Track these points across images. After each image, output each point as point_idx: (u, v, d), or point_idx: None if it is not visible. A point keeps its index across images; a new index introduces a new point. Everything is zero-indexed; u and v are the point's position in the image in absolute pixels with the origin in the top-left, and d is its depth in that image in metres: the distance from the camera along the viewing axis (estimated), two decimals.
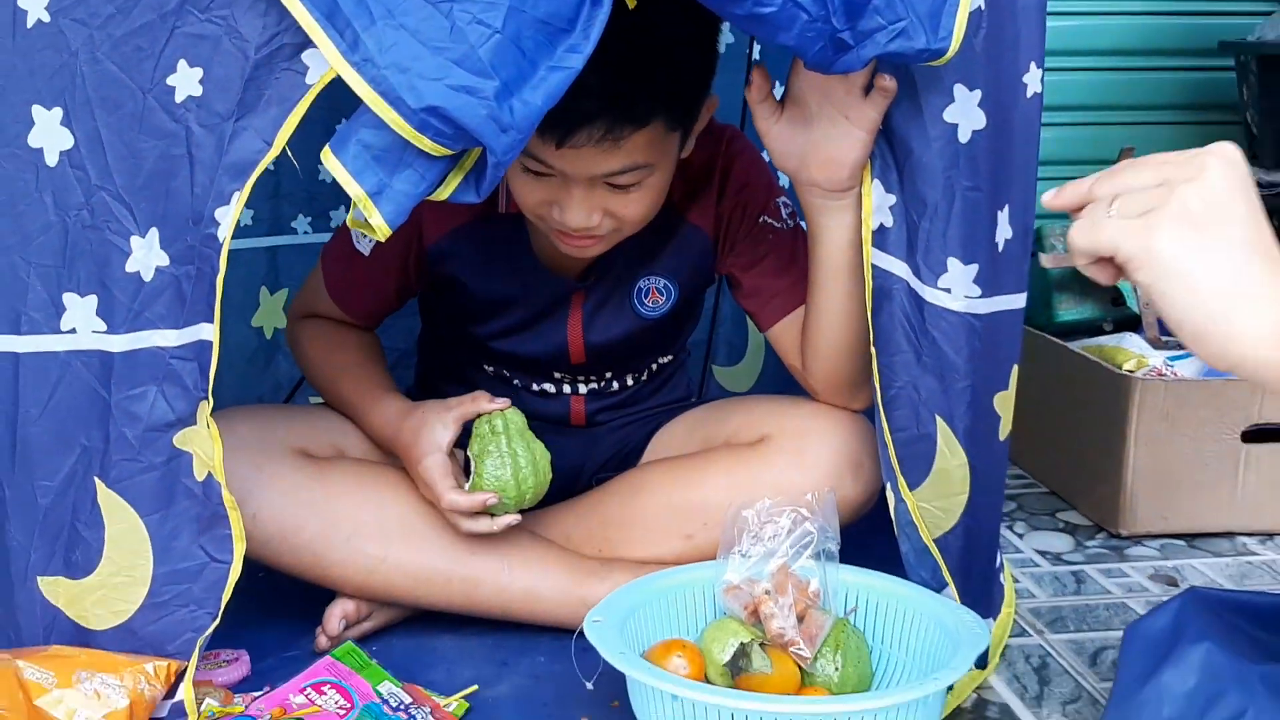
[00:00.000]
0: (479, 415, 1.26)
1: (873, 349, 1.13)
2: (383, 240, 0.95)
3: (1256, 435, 1.60)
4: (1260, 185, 2.08)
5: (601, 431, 1.47)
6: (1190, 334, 0.70)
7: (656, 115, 1.14)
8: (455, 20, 0.88)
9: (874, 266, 1.11)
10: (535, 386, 1.44)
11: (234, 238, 1.74)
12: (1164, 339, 1.82)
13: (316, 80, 0.94)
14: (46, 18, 0.95)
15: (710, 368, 1.88)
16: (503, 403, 1.26)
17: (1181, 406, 1.59)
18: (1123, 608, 1.43)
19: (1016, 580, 1.50)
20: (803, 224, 1.27)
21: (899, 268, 1.11)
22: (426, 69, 0.88)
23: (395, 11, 0.88)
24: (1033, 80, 1.10)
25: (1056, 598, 1.46)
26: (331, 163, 0.92)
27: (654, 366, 1.47)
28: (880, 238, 1.10)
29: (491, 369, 1.44)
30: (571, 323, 1.37)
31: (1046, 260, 1.79)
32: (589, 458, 1.45)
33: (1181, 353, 1.69)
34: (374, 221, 0.92)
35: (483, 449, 1.25)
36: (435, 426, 1.25)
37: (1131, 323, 1.83)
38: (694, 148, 1.28)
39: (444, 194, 0.95)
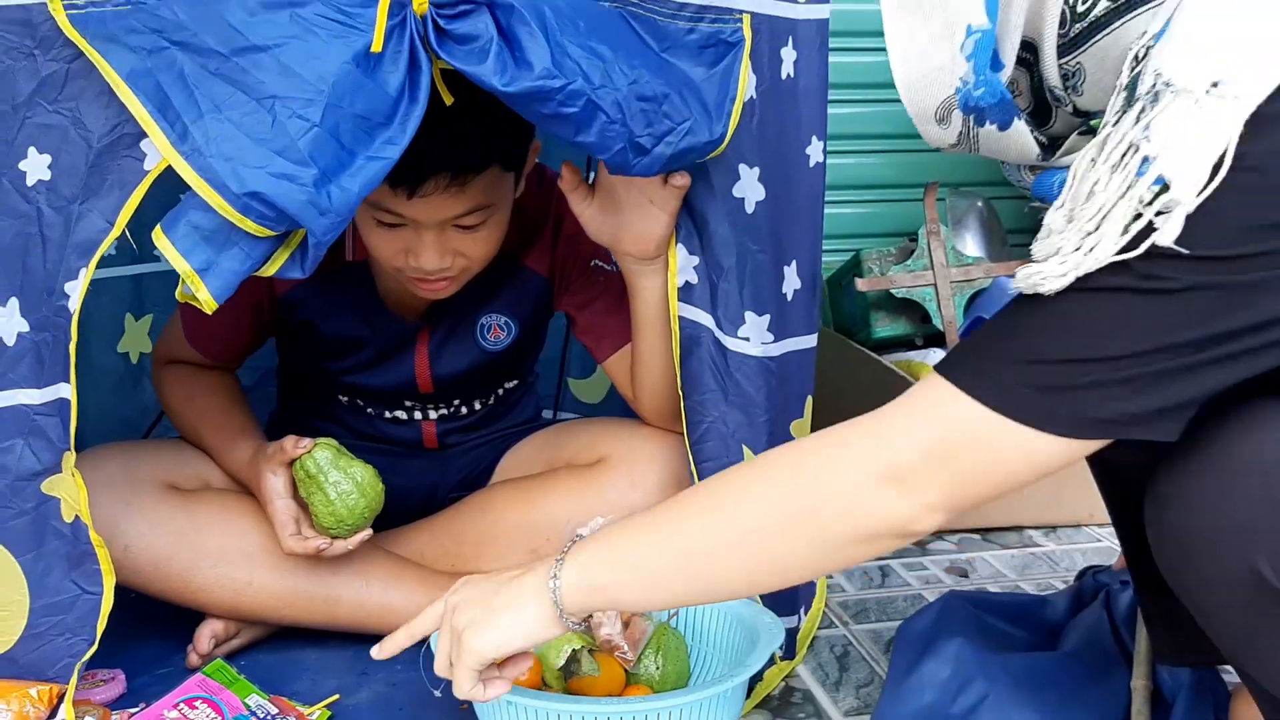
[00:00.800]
0: (294, 460, 1.32)
1: (680, 391, 1.24)
2: (209, 313, 1.02)
3: None
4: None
5: (453, 453, 1.55)
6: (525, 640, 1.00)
7: (493, 160, 1.24)
8: (277, 115, 0.96)
9: (681, 318, 1.22)
10: (388, 414, 1.52)
11: (100, 267, 1.78)
12: None
13: (153, 167, 1.01)
14: None
15: (565, 380, 1.97)
16: (306, 444, 1.31)
17: None
18: (919, 598, 1.57)
19: (830, 577, 1.63)
20: None
21: (704, 318, 1.22)
22: (249, 158, 0.96)
23: (222, 106, 0.96)
24: (815, 151, 1.23)
25: (862, 591, 1.59)
26: (162, 242, 0.99)
27: (500, 392, 1.56)
28: (686, 293, 1.22)
29: (346, 399, 1.52)
30: (418, 358, 1.46)
31: (862, 284, 1.94)
32: (442, 478, 1.53)
33: None
34: (201, 296, 0.99)
35: (307, 492, 1.31)
36: (267, 476, 1.32)
37: (938, 338, 1.97)
38: (528, 197, 1.39)
39: (270, 270, 1.03)
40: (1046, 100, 0.85)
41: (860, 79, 2.10)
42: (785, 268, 1.24)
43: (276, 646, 1.39)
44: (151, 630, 1.37)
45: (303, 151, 0.96)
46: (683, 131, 1.08)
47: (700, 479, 1.25)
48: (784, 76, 1.18)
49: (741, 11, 1.10)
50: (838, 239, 2.23)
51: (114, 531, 1.26)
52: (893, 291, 1.94)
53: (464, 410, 1.54)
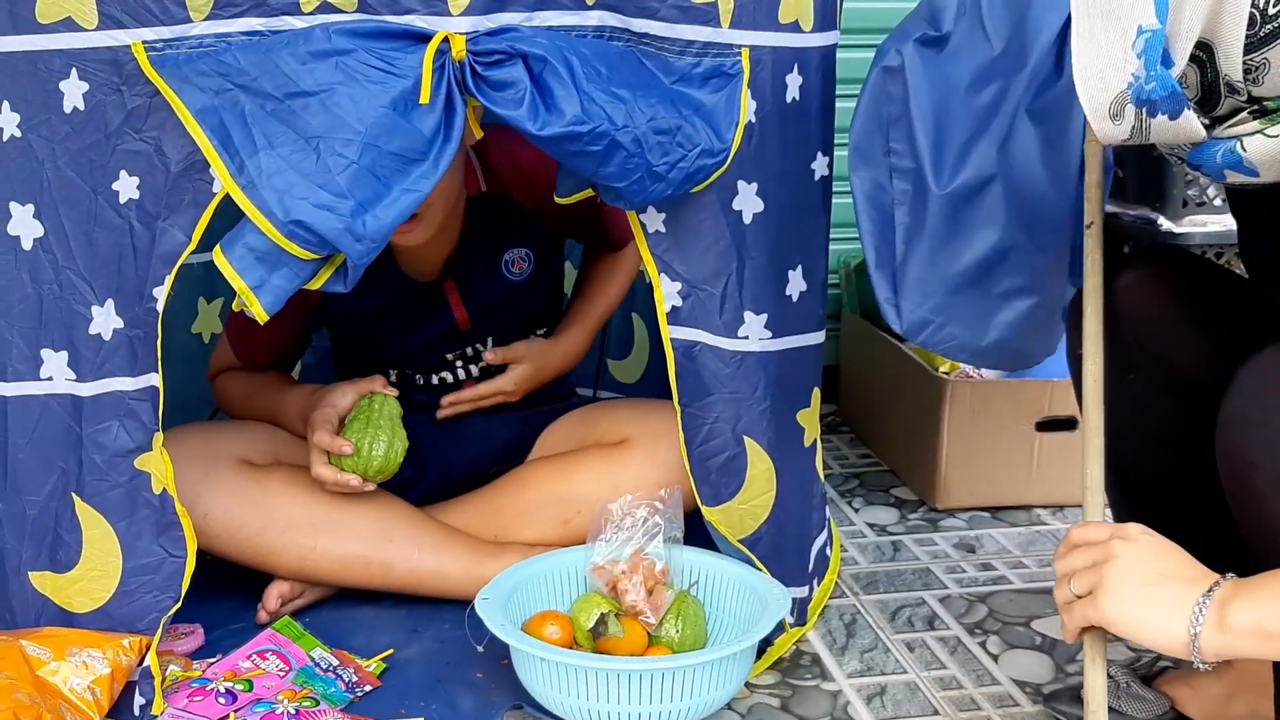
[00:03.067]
0: (371, 393, 1.48)
1: (677, 406, 1.34)
2: (262, 323, 1.15)
3: (1048, 425, 1.84)
4: (1125, 218, 2.33)
5: (494, 424, 1.67)
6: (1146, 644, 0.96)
7: None
8: (321, 152, 1.07)
9: (674, 340, 1.32)
10: (435, 379, 1.64)
11: None
12: None
13: (219, 190, 1.13)
14: (19, 134, 1.13)
15: (604, 360, 2.09)
16: (390, 391, 1.49)
17: (985, 402, 1.82)
18: (926, 572, 1.66)
19: (845, 550, 1.73)
20: None
21: (695, 334, 1.32)
22: (296, 190, 1.08)
23: (274, 144, 1.07)
24: (820, 166, 1.32)
25: (875, 564, 1.69)
26: (221, 261, 1.11)
27: (532, 338, 1.67)
28: (674, 316, 1.31)
29: (395, 373, 1.64)
30: (452, 300, 1.60)
31: None
32: (484, 452, 1.65)
33: None
34: (253, 311, 1.12)
35: (353, 418, 1.47)
36: (336, 392, 1.49)
37: None
38: (517, 154, 1.52)
39: (317, 285, 1.15)
40: (1218, 89, 0.88)
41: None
42: (790, 271, 1.34)
43: (337, 605, 1.52)
44: (226, 590, 1.51)
45: (341, 185, 1.07)
46: (694, 156, 1.18)
47: (702, 478, 1.35)
48: (789, 100, 1.27)
49: (740, 46, 1.19)
50: None
51: (194, 501, 1.40)
52: None
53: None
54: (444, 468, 1.66)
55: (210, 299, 1.96)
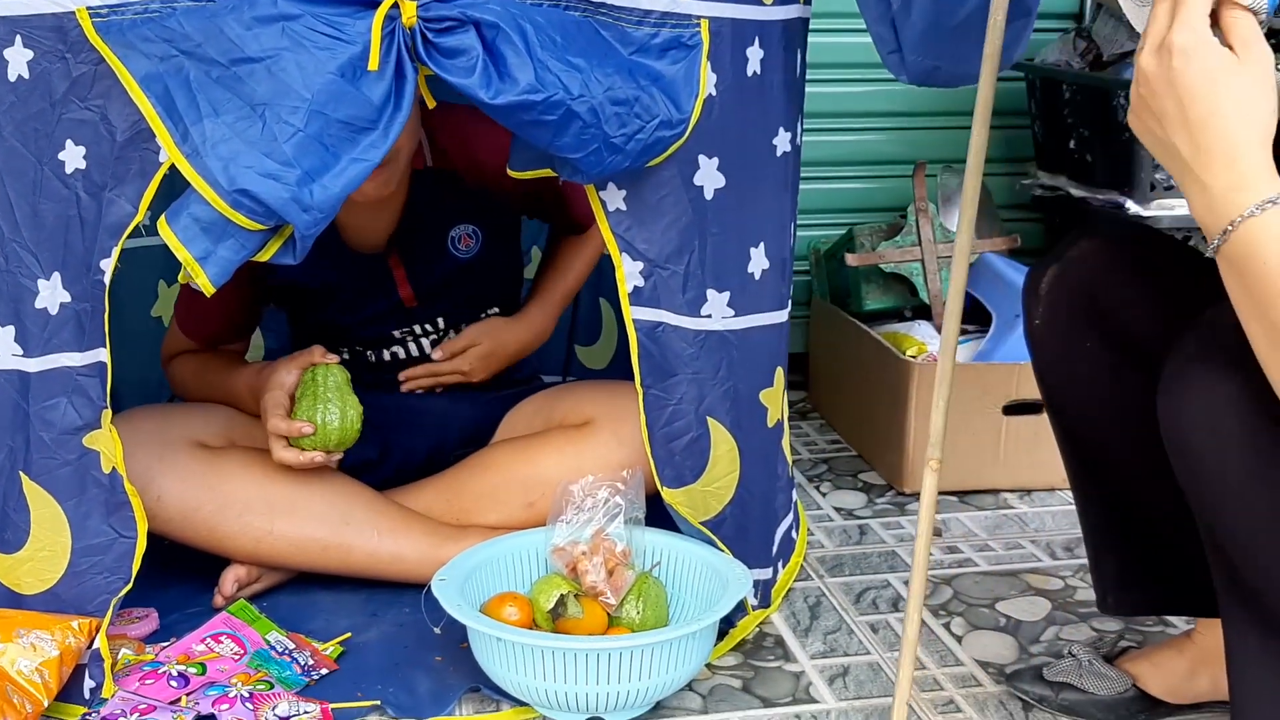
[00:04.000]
0: (314, 365, 1.45)
1: (639, 387, 1.31)
2: (208, 296, 1.12)
3: (1015, 409, 1.83)
4: (1043, 187, 2.31)
5: (457, 407, 1.64)
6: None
7: None
8: (266, 120, 1.05)
9: (636, 321, 1.29)
10: (386, 354, 1.62)
11: (133, 238, 1.89)
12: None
13: (166, 159, 1.10)
14: None
15: (573, 346, 2.07)
16: (332, 358, 1.46)
17: (952, 386, 1.80)
18: (892, 555, 1.65)
19: (811, 534, 1.71)
20: None
21: (658, 315, 1.29)
22: (241, 159, 1.05)
23: (219, 111, 1.05)
24: (782, 141, 1.30)
25: (841, 547, 1.67)
26: (165, 232, 1.08)
27: (482, 317, 1.64)
28: (636, 296, 1.28)
29: (345, 351, 1.62)
30: (398, 278, 1.57)
31: (852, 259, 2.02)
32: (447, 435, 1.63)
33: (960, 339, 1.91)
34: (199, 282, 1.09)
35: (301, 393, 1.44)
36: (280, 370, 1.46)
37: (926, 310, 2.04)
38: (468, 133, 1.50)
39: (265, 256, 1.12)
40: None
41: (855, 58, 2.16)
42: (752, 249, 1.32)
43: (294, 590, 1.49)
44: (181, 574, 1.48)
45: (287, 153, 1.05)
46: (652, 127, 1.16)
47: (664, 460, 1.33)
48: (749, 74, 1.25)
49: (699, 17, 1.18)
50: (833, 213, 2.29)
51: (148, 484, 1.37)
52: (881, 266, 2.00)
53: (453, 335, 1.62)
54: (406, 452, 1.63)
55: (170, 282, 1.93)
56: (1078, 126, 2.14)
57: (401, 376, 1.56)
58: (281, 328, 1.81)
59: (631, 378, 1.54)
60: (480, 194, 1.56)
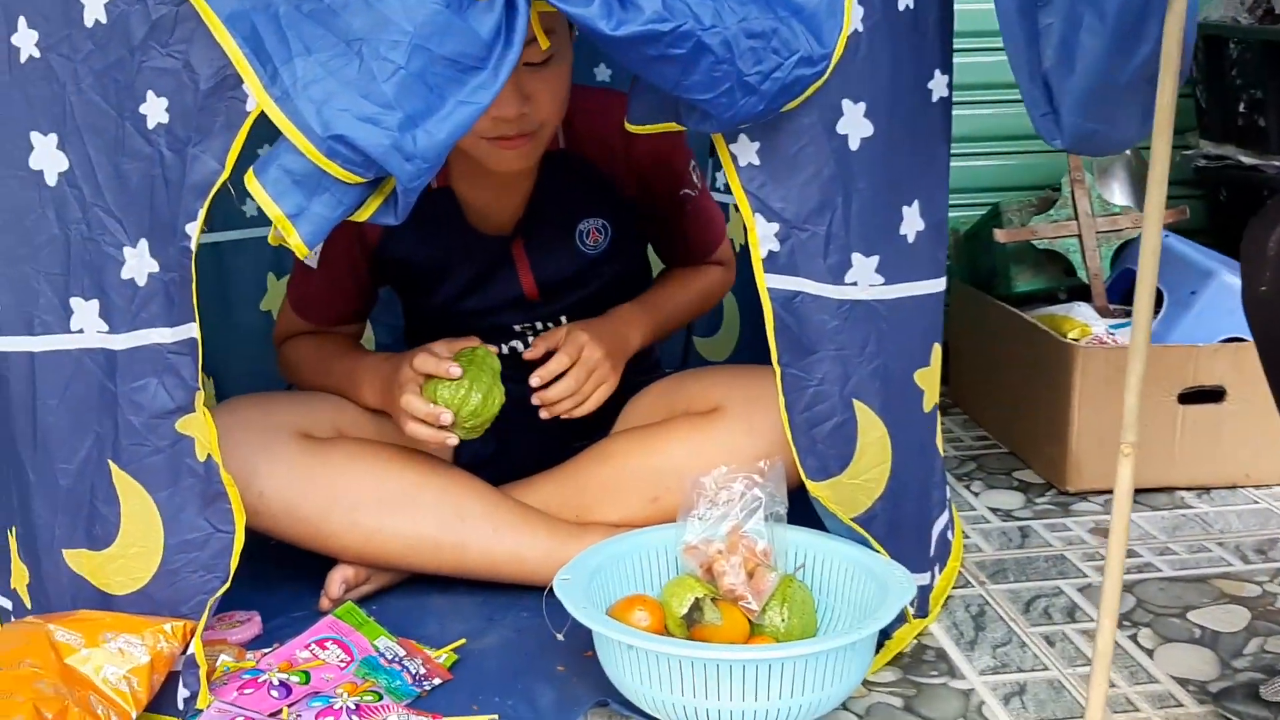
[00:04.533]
0: (473, 348, 1.33)
1: (777, 366, 1.16)
2: (302, 258, 0.99)
3: (1191, 397, 1.62)
4: (1208, 158, 2.08)
5: None
6: None
7: None
8: (364, 57, 0.92)
9: (770, 290, 1.14)
10: (505, 349, 1.48)
11: (241, 228, 1.81)
12: (1111, 307, 1.84)
13: (253, 108, 0.98)
14: (37, 54, 1.00)
15: (691, 339, 1.92)
16: (491, 347, 1.33)
17: (1121, 372, 1.59)
18: (1061, 559, 1.46)
19: (967, 536, 1.54)
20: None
21: (795, 283, 1.14)
22: (336, 101, 0.92)
23: (312, 48, 0.92)
24: (938, 86, 1.14)
25: (1001, 551, 1.49)
26: (254, 186, 0.96)
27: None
28: (771, 263, 1.13)
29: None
30: (520, 268, 1.43)
31: (1001, 235, 1.83)
32: (564, 427, 1.49)
33: (1123, 320, 1.71)
34: (292, 242, 0.96)
35: (446, 381, 1.29)
36: (432, 347, 1.32)
37: (1083, 291, 1.85)
38: (609, 116, 1.34)
39: (363, 215, 0.99)
40: None
41: (993, 26, 1.98)
42: (905, 208, 1.15)
43: (406, 592, 1.37)
44: (287, 575, 1.37)
45: (388, 94, 0.92)
46: (791, 64, 1.01)
47: (806, 449, 1.17)
48: (901, 8, 1.09)
49: None
50: (973, 193, 2.11)
51: (250, 477, 1.26)
52: (1034, 243, 1.81)
53: None
54: (521, 445, 1.50)
55: (280, 275, 1.85)
56: (1248, 88, 1.92)
57: (536, 400, 1.34)
58: (395, 320, 1.70)
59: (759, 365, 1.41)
60: (610, 184, 1.43)
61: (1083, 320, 1.71)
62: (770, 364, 1.40)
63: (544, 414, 1.34)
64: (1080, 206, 1.79)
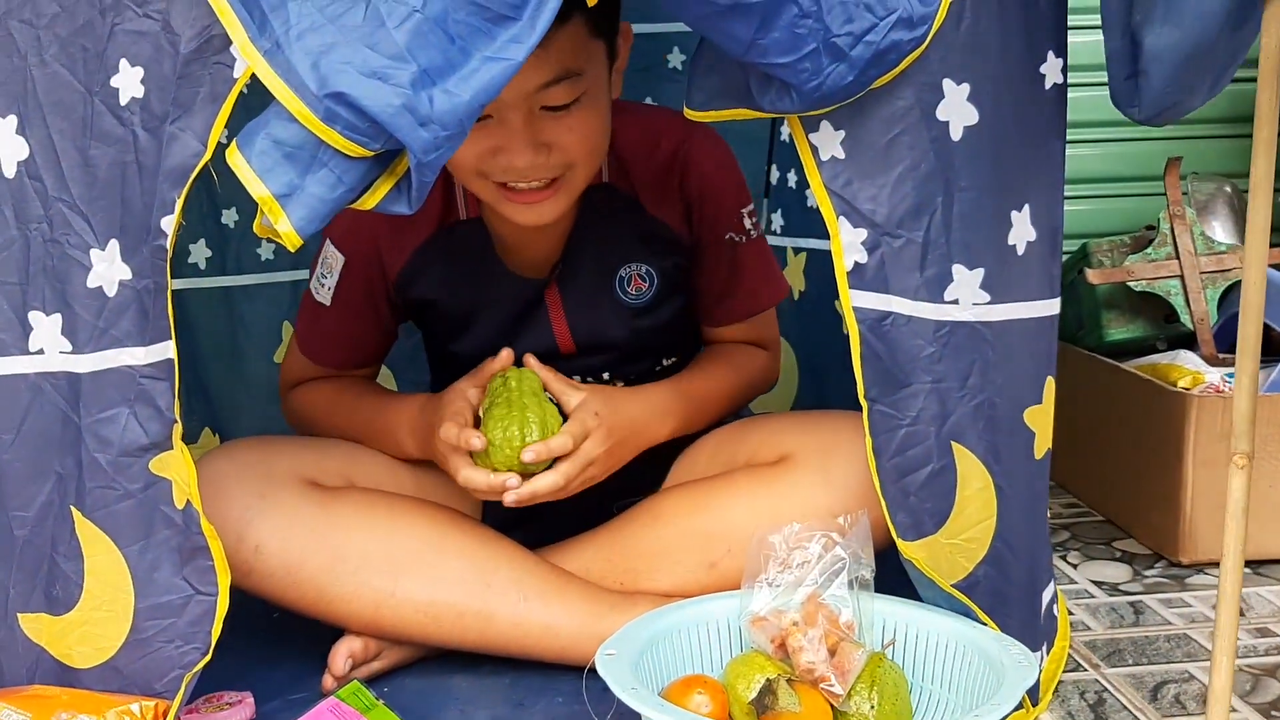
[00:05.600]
0: (504, 373, 1.17)
1: (864, 401, 0.98)
2: (292, 250, 0.82)
3: None
4: None
5: None
6: None
7: (575, 10, 1.01)
8: None
9: (856, 309, 0.96)
10: None
11: (255, 272, 1.66)
12: (1220, 355, 1.63)
13: (241, 73, 0.82)
14: None
15: None
16: (530, 363, 1.18)
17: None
18: (1185, 639, 1.25)
19: (1071, 613, 1.33)
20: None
21: (885, 301, 0.96)
22: (336, 52, 0.76)
23: None
24: (1052, 71, 0.97)
25: (1113, 630, 1.28)
26: (236, 160, 0.79)
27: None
28: (857, 277, 0.95)
29: None
30: (554, 317, 1.26)
31: (1094, 275, 1.64)
32: (607, 485, 1.30)
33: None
34: (281, 228, 0.79)
35: (488, 406, 1.14)
36: (456, 393, 1.16)
37: (1185, 340, 1.65)
38: (660, 142, 1.22)
39: (370, 202, 0.81)
40: None
41: (1078, 60, 1.82)
42: (1014, 213, 0.97)
43: (425, 671, 1.18)
44: (287, 650, 1.19)
45: (399, 44, 0.75)
46: (887, 25, 0.84)
47: (897, 502, 0.98)
48: None
49: None
50: None
51: (245, 530, 1.09)
52: (1130, 285, 1.62)
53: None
54: (556, 506, 1.31)
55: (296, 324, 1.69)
56: None
57: (508, 501, 1.13)
58: (420, 374, 1.53)
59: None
60: (660, 225, 1.26)
61: (1192, 368, 1.51)
62: (841, 410, 1.23)
63: (509, 499, 1.12)
64: (1182, 244, 1.60)
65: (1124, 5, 0.90)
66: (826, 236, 0.96)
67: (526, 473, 1.12)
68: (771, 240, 1.72)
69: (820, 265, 1.64)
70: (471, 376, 1.18)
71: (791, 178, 1.68)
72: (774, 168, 1.72)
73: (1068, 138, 1.84)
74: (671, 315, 1.31)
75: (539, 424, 1.11)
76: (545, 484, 1.13)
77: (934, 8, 0.86)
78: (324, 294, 1.26)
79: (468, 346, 1.27)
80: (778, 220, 1.73)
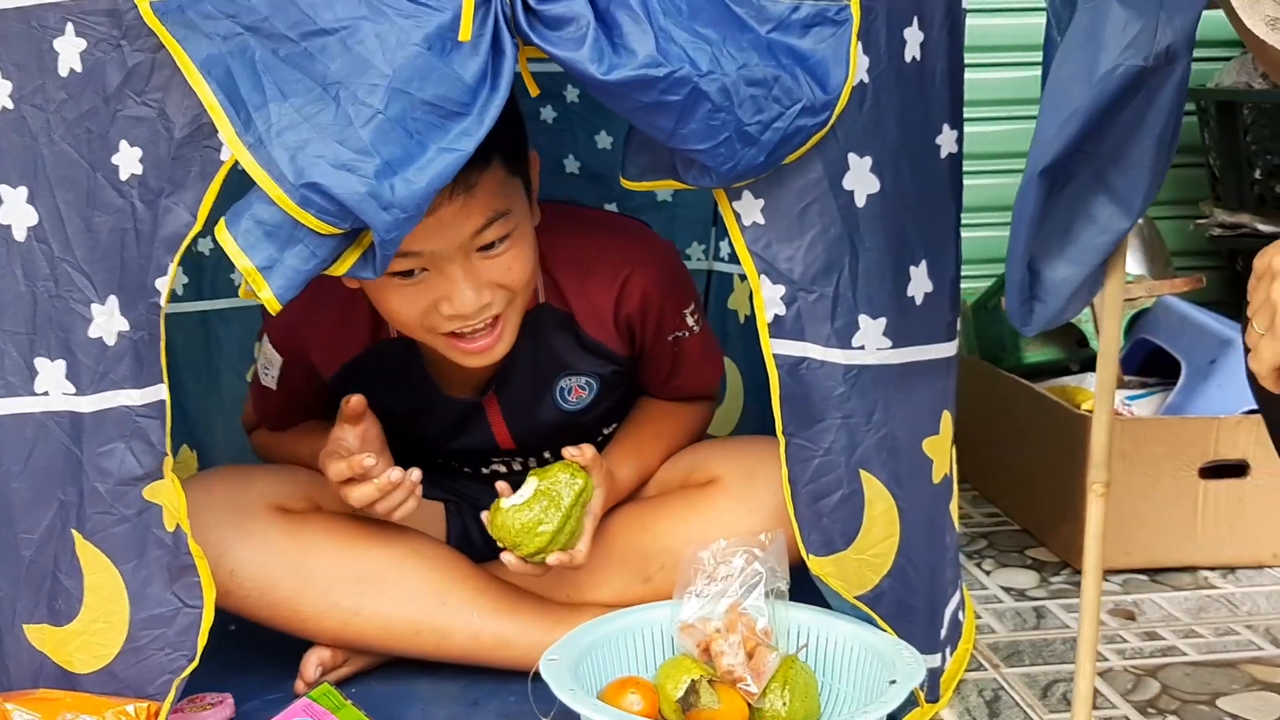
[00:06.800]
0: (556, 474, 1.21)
1: (781, 436, 1.11)
2: (273, 313, 0.95)
3: (1214, 471, 1.57)
4: (1223, 226, 2.05)
5: None
6: None
7: (494, 154, 1.09)
8: (341, 101, 0.89)
9: (776, 355, 1.09)
10: (485, 470, 1.43)
11: (228, 296, 1.77)
12: (1125, 378, 1.79)
13: (227, 158, 0.95)
14: (10, 104, 0.98)
15: None
16: (569, 470, 1.21)
17: (1139, 445, 1.56)
18: (1077, 642, 1.39)
19: (979, 616, 1.47)
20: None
21: (802, 348, 1.09)
22: (310, 148, 0.89)
23: (287, 93, 0.89)
24: (946, 141, 1.11)
25: (1015, 632, 1.42)
26: (224, 237, 0.92)
27: (599, 439, 1.41)
28: (777, 328, 1.08)
29: (440, 459, 1.42)
30: (493, 421, 1.36)
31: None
32: None
33: (1140, 392, 1.67)
34: (263, 295, 0.92)
35: (549, 487, 1.19)
36: (334, 441, 1.24)
37: (1095, 363, 1.80)
38: (597, 276, 1.28)
39: (340, 270, 0.95)
40: None
41: (1004, 94, 1.96)
42: (912, 268, 1.12)
43: (386, 675, 1.31)
44: (262, 655, 1.31)
45: (364, 140, 0.88)
46: (793, 114, 0.97)
47: (810, 523, 1.12)
48: (908, 59, 1.07)
49: None
50: (982, 264, 2.08)
51: (221, 554, 1.20)
52: None
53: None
54: None
55: None
56: (1263, 154, 1.90)
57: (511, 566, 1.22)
58: None
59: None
60: (598, 347, 1.32)
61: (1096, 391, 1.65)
62: (769, 434, 1.36)
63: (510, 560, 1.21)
64: None
65: (1026, 247, 1.02)
66: None
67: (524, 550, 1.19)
68: (720, 267, 1.86)
69: None
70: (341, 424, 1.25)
71: None
72: None
73: (996, 169, 1.99)
74: (611, 411, 1.40)
75: (566, 537, 1.19)
76: (530, 571, 1.20)
77: (835, 95, 1.00)
78: (269, 380, 1.36)
79: (411, 441, 1.35)
80: (725, 248, 1.87)
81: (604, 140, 1.74)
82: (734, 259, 1.86)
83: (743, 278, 1.83)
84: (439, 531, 1.42)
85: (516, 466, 1.43)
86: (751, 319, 1.83)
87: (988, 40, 1.97)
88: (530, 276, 1.19)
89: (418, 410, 1.34)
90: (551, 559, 1.18)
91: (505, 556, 1.20)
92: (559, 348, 1.31)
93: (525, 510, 1.18)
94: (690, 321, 1.35)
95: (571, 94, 1.70)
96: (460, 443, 1.36)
